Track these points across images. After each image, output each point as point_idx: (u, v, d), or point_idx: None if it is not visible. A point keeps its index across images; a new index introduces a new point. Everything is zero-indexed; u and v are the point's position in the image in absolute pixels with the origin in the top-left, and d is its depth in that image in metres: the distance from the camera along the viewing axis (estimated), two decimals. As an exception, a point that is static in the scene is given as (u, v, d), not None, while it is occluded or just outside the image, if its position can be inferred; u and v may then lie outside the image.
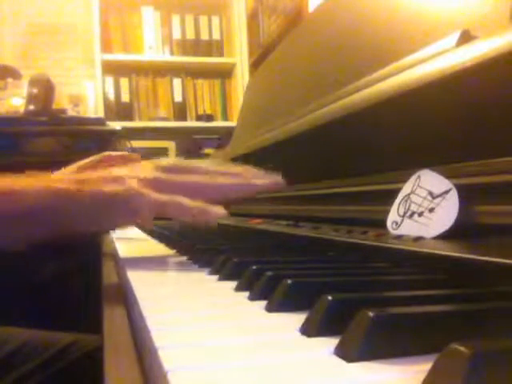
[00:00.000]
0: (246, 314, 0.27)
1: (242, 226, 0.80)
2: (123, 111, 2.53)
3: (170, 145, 2.48)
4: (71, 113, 2.10)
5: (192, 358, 0.20)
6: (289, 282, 0.28)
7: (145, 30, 2.56)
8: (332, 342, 0.20)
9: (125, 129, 1.83)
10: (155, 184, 0.48)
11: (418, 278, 0.32)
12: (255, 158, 0.56)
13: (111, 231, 0.90)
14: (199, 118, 2.59)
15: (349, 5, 0.68)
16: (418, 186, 0.38)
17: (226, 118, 2.64)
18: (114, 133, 1.63)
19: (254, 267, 0.34)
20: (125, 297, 0.38)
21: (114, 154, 0.76)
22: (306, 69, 0.77)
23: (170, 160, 0.56)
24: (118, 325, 0.32)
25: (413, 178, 0.39)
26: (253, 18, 2.48)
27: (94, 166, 0.68)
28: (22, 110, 1.69)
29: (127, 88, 2.55)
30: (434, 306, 0.22)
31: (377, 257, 0.39)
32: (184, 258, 0.51)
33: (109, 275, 0.50)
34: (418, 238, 0.36)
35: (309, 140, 0.61)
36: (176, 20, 2.60)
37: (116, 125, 1.71)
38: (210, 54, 2.62)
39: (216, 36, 2.65)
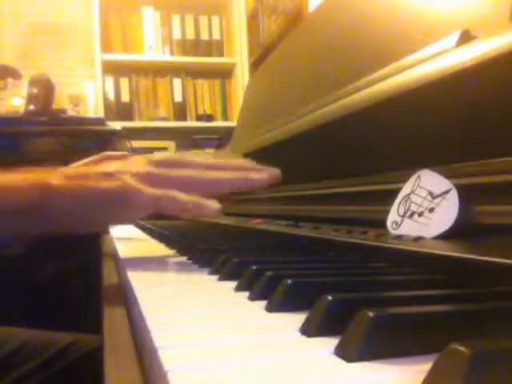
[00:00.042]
0: (246, 314, 0.27)
1: (242, 226, 0.80)
2: (123, 111, 2.53)
3: (170, 145, 2.48)
4: (71, 113, 2.10)
5: (192, 358, 0.20)
6: (289, 282, 0.28)
7: (145, 30, 2.56)
8: (332, 342, 0.20)
9: (125, 129, 1.83)
10: (148, 179, 0.47)
11: (417, 278, 0.32)
12: (255, 158, 0.56)
13: (111, 231, 0.90)
14: (199, 118, 2.59)
15: (349, 5, 0.68)
16: (418, 185, 0.38)
17: (226, 117, 2.64)
18: (113, 133, 1.63)
19: (254, 267, 0.34)
20: (125, 297, 0.38)
21: (113, 153, 0.76)
22: (305, 69, 0.77)
23: (163, 154, 0.54)
24: (118, 325, 0.32)
25: (413, 178, 0.39)
26: (253, 18, 2.48)
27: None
28: (22, 110, 1.69)
29: (127, 88, 2.55)
30: (434, 306, 0.22)
31: (377, 257, 0.39)
32: (184, 258, 0.51)
33: (109, 275, 0.50)
34: (418, 238, 0.36)
35: (309, 140, 0.61)
36: (176, 20, 2.60)
37: (116, 125, 1.71)
38: (210, 54, 2.62)
39: (216, 36, 2.65)
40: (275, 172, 0.53)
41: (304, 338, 0.22)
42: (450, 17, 0.44)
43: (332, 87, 0.58)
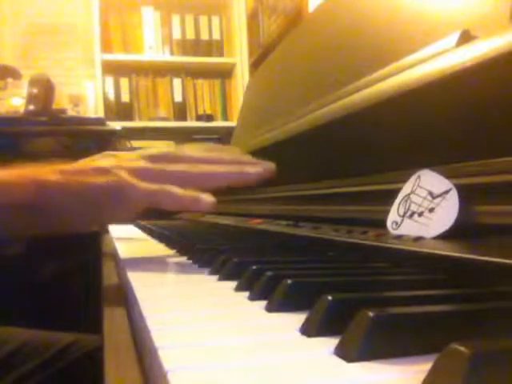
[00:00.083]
0: (245, 314, 0.27)
1: (242, 226, 0.80)
2: (123, 111, 2.53)
3: (170, 145, 2.48)
4: (71, 113, 2.10)
5: (192, 358, 0.20)
6: (289, 282, 0.28)
7: (145, 30, 2.56)
8: (332, 342, 0.20)
9: (125, 129, 1.83)
10: (144, 174, 0.47)
11: (417, 278, 0.32)
12: (255, 157, 0.56)
13: (111, 231, 0.90)
14: (199, 118, 2.59)
15: (349, 5, 0.68)
16: (418, 186, 0.38)
17: (226, 118, 2.64)
18: (113, 133, 1.63)
19: (254, 267, 0.34)
20: (125, 297, 0.38)
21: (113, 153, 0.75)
22: (305, 69, 0.77)
23: (158, 149, 0.54)
24: (118, 325, 0.32)
25: (413, 178, 0.39)
26: (253, 18, 2.48)
27: None
28: (22, 110, 1.69)
29: (127, 88, 2.55)
30: (434, 306, 0.22)
31: (377, 257, 0.39)
32: (184, 258, 0.51)
33: (109, 275, 0.50)
34: (418, 238, 0.36)
35: (309, 140, 0.61)
36: (176, 20, 2.60)
37: (116, 125, 1.71)
38: (210, 54, 2.62)
39: (216, 36, 2.65)
40: (270, 166, 0.53)
41: (304, 338, 0.22)
42: (450, 17, 0.44)
43: (332, 87, 0.58)
